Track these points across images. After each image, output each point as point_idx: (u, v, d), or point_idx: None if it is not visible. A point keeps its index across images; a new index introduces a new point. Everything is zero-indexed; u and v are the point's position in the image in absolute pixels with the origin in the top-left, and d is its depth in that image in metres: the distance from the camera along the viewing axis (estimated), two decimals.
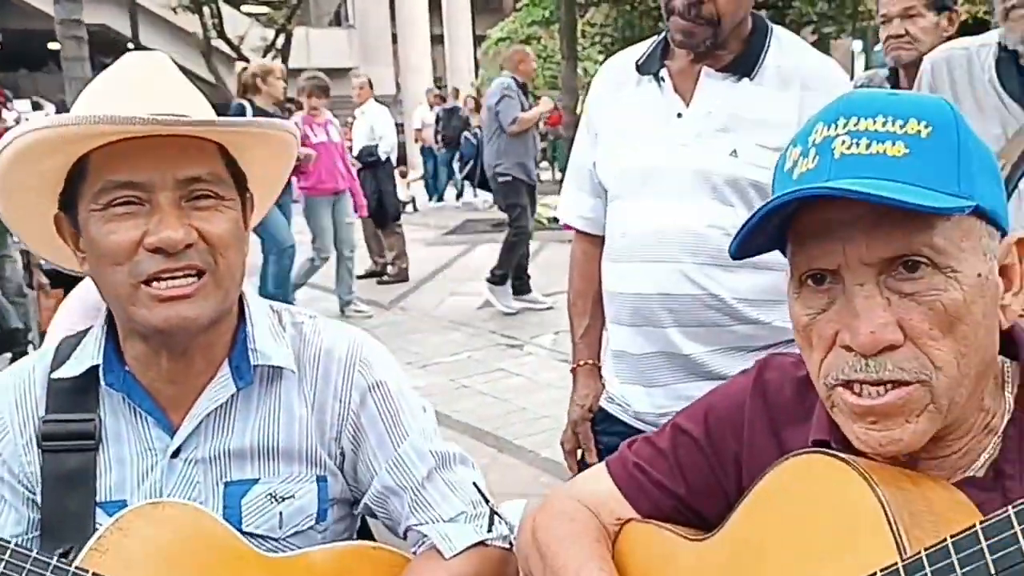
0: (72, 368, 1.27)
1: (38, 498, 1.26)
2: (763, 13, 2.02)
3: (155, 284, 1.17)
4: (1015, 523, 0.74)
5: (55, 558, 1.13)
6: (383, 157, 9.18)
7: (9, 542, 1.12)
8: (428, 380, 5.89)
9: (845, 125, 0.90)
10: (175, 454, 1.27)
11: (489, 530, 1.32)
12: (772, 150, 1.84)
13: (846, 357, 0.90)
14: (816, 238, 0.91)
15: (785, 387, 1.11)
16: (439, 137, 16.73)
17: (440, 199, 16.93)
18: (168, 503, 1.22)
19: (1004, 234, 0.94)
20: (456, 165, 16.74)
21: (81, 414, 1.26)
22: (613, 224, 2.04)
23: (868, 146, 0.88)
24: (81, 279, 1.81)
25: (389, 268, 9.41)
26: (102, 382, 1.26)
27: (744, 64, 1.91)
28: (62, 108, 12.04)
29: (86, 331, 1.33)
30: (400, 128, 13.61)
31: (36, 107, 17.86)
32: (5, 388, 1.29)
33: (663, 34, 2.02)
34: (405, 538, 1.35)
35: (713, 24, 1.86)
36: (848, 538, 0.87)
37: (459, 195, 16.94)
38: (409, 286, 9.12)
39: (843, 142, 0.89)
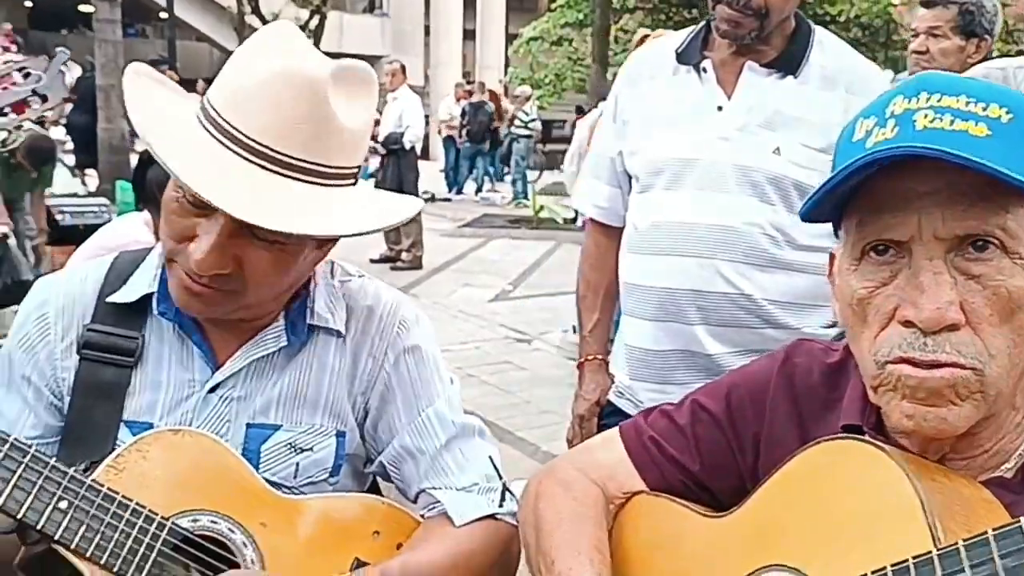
0: (126, 295, 1.27)
1: (64, 405, 1.26)
2: None
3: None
4: None
5: (72, 469, 1.13)
6: (407, 146, 9.15)
7: (30, 447, 1.12)
8: None
9: (928, 99, 0.89)
10: (213, 389, 1.27)
11: (500, 505, 1.31)
12: (816, 150, 1.82)
13: (904, 333, 0.88)
14: (891, 208, 0.89)
15: (813, 373, 1.09)
16: (464, 131, 16.72)
17: (459, 192, 16.92)
18: (188, 431, 1.22)
19: None
20: (481, 160, 16.78)
21: (126, 330, 1.26)
22: (640, 215, 2.00)
23: (952, 122, 0.86)
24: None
25: (404, 255, 9.41)
26: (154, 310, 1.27)
27: (789, 62, 1.89)
28: (90, 70, 12.06)
29: (147, 250, 1.32)
30: (425, 120, 13.60)
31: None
32: (56, 291, 1.29)
33: (703, 23, 1.99)
34: (415, 501, 1.34)
35: (760, 16, 1.84)
36: (879, 524, 0.85)
37: (478, 189, 16.92)
38: (422, 274, 9.13)
39: (926, 115, 0.88)
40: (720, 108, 1.91)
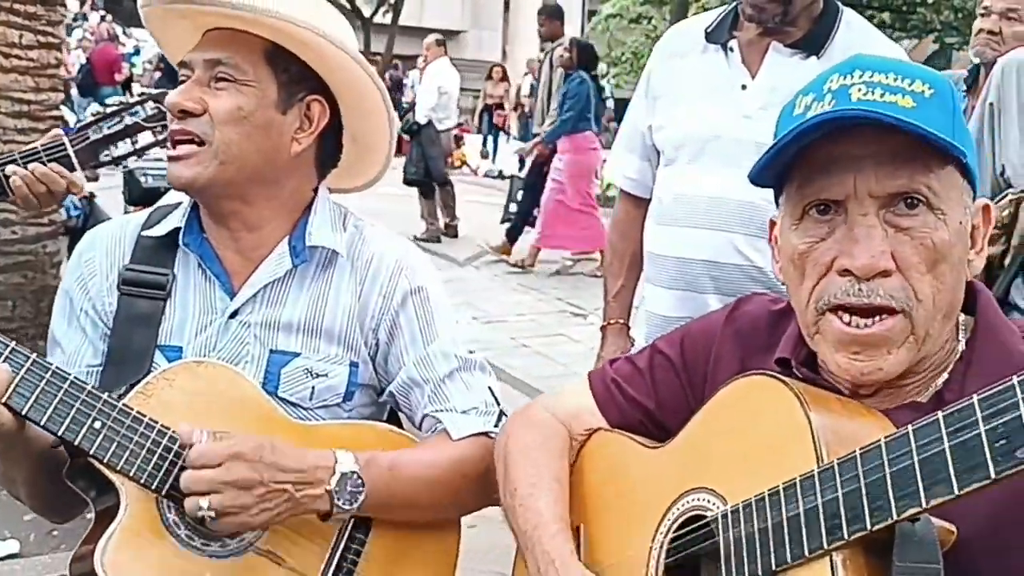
0: (159, 229, 1.47)
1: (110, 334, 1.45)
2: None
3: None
4: (912, 440, 0.84)
5: (106, 394, 1.30)
6: (423, 121, 9.09)
7: (68, 375, 1.28)
8: (490, 335, 6.04)
9: (861, 76, 1.01)
10: (232, 315, 1.44)
11: (495, 427, 1.46)
12: None
13: (840, 282, 1.01)
14: (829, 170, 1.01)
15: (759, 318, 1.22)
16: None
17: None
18: (209, 363, 1.39)
19: (974, 198, 1.05)
20: None
21: (159, 268, 1.45)
22: (665, 188, 2.10)
23: (882, 95, 0.99)
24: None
25: (447, 225, 9.44)
26: (181, 243, 1.45)
27: (813, 43, 1.96)
28: None
29: (180, 203, 1.52)
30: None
31: None
32: (101, 238, 1.51)
33: (733, 4, 2.07)
34: (420, 427, 1.50)
35: (785, 2, 1.92)
36: (779, 449, 0.97)
37: None
38: (482, 249, 9.22)
39: (859, 89, 1.00)
40: (744, 87, 1.99)
